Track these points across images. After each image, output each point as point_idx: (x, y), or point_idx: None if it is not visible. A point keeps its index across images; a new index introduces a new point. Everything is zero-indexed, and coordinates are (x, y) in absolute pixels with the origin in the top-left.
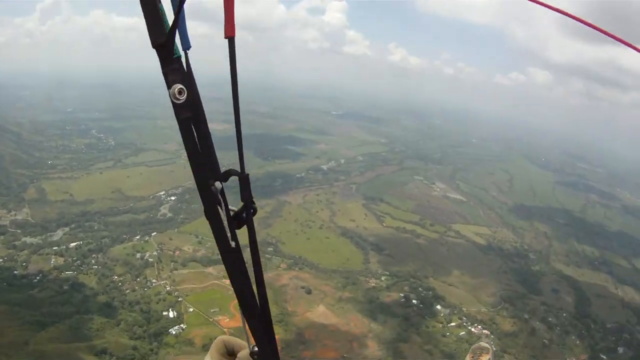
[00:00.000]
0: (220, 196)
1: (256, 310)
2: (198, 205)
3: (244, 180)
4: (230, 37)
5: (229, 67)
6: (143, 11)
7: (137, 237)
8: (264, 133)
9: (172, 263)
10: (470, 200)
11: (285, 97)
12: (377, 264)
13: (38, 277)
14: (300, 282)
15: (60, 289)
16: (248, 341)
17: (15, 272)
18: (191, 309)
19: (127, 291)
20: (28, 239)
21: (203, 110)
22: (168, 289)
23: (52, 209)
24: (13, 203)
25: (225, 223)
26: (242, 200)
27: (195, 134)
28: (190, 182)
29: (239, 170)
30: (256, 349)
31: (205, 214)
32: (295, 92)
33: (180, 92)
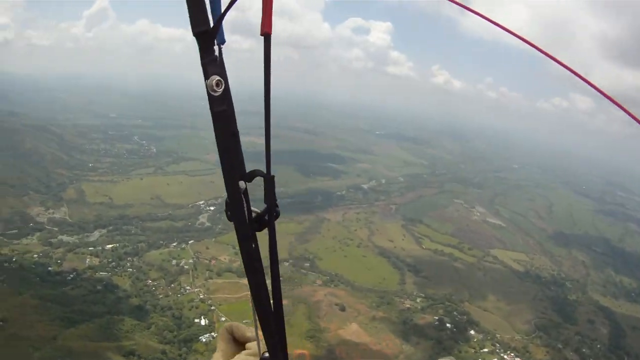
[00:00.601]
0: (242, 196)
1: (269, 314)
2: None
3: (269, 182)
4: (266, 33)
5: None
6: None
7: (174, 244)
8: (306, 150)
9: (207, 272)
10: (509, 226)
11: (329, 115)
12: (413, 286)
13: (72, 275)
14: (335, 299)
15: (93, 288)
16: (259, 346)
17: (50, 268)
18: (223, 318)
19: (160, 296)
20: (64, 238)
21: (233, 107)
22: (201, 297)
23: (90, 210)
24: (52, 202)
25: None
26: (265, 202)
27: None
28: None
29: (264, 171)
30: (267, 354)
31: (227, 211)
32: (339, 110)
33: (217, 84)
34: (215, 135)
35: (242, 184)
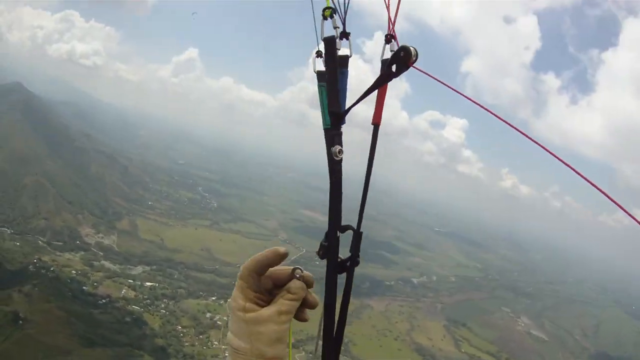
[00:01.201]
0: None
1: (331, 336)
2: None
3: (357, 236)
4: (376, 124)
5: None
6: (327, 83)
7: (213, 298)
8: (363, 234)
9: None
10: (552, 340)
11: (393, 204)
12: None
13: (104, 300)
14: None
15: (121, 319)
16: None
17: (84, 287)
18: None
19: (187, 344)
20: (107, 264)
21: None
22: (227, 355)
23: (139, 245)
24: (104, 227)
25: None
26: (350, 251)
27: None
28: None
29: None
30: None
31: (320, 251)
32: (403, 201)
33: (340, 152)
34: (330, 192)
35: (337, 233)
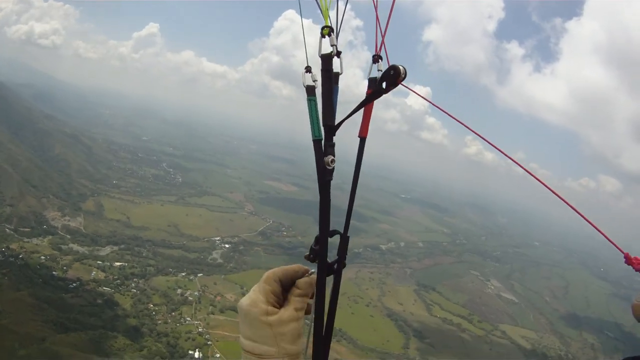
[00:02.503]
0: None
1: (321, 334)
2: (250, 257)
3: (344, 240)
4: (362, 137)
5: (354, 164)
6: (322, 97)
7: (183, 274)
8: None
9: (211, 307)
10: (522, 303)
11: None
12: (416, 351)
13: (75, 284)
14: (335, 355)
15: (93, 301)
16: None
17: (54, 272)
18: (218, 355)
19: (159, 322)
20: (75, 246)
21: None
22: (200, 330)
23: (106, 225)
24: (69, 209)
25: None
26: (337, 254)
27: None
28: (246, 233)
29: (341, 231)
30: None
31: (310, 254)
32: (367, 170)
33: (332, 161)
34: (320, 199)
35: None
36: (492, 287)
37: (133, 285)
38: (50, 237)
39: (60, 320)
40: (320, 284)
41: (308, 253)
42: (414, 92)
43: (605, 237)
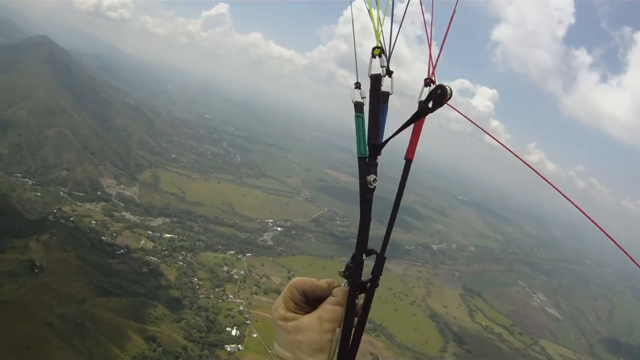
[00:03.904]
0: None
1: (347, 348)
2: (301, 243)
3: (380, 259)
4: (408, 159)
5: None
6: (369, 116)
7: (231, 252)
8: (386, 197)
9: (255, 287)
10: (565, 320)
11: (418, 170)
12: (453, 356)
13: (122, 251)
14: (371, 348)
15: (138, 269)
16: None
17: (103, 237)
18: (255, 335)
19: (201, 296)
20: (127, 215)
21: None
22: (241, 308)
23: (160, 197)
24: (125, 178)
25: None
26: (371, 273)
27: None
28: (300, 219)
29: (378, 250)
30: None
31: (345, 271)
32: (428, 168)
33: (374, 181)
34: (361, 215)
35: (362, 255)
36: (538, 300)
37: (180, 258)
38: (104, 203)
39: (103, 284)
40: (351, 299)
41: (343, 270)
42: (459, 112)
43: (621, 247)
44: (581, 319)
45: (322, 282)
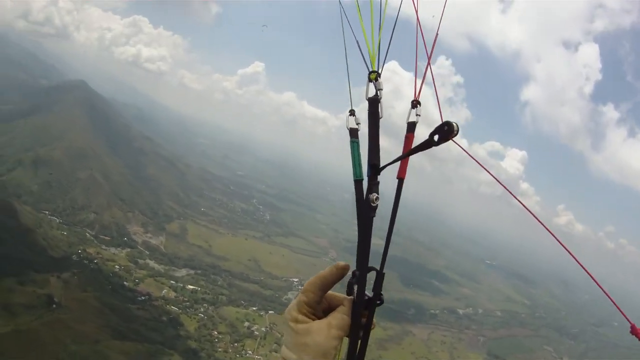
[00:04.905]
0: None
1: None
2: None
3: (380, 276)
4: (400, 178)
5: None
6: (369, 137)
7: (254, 309)
8: (414, 260)
9: (275, 344)
10: None
11: (446, 232)
12: None
13: (143, 298)
14: None
15: (157, 317)
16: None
17: (125, 283)
18: None
19: (220, 350)
20: (151, 263)
21: None
22: None
23: (186, 248)
24: (153, 227)
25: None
26: (373, 290)
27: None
28: None
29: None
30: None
31: (349, 292)
32: (457, 231)
33: (376, 199)
34: (360, 233)
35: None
36: None
37: (202, 310)
38: (129, 249)
39: (120, 327)
40: (355, 317)
41: (347, 288)
42: (463, 149)
43: (612, 300)
44: None
45: (342, 295)
